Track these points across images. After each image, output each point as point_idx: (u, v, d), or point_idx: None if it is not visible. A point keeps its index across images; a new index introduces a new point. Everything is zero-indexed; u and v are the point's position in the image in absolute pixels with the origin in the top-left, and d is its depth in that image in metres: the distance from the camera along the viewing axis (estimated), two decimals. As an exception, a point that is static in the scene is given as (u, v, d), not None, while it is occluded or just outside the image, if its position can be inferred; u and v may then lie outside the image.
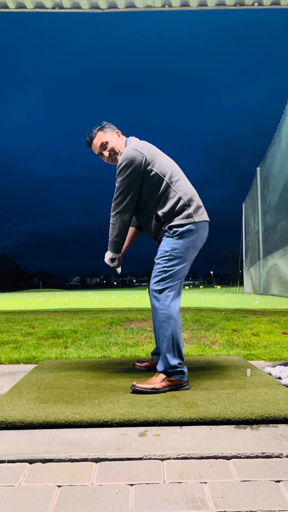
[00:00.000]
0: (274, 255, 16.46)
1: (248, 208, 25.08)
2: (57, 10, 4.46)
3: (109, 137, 2.29)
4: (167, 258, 2.14)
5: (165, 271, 2.14)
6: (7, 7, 4.45)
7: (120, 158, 2.16)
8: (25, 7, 4.45)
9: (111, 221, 2.23)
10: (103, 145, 2.29)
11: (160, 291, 2.14)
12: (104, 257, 2.36)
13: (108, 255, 2.32)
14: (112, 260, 2.33)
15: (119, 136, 2.32)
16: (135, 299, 13.76)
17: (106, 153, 2.30)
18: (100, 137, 2.29)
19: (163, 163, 2.19)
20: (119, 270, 2.47)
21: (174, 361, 2.08)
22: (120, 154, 2.24)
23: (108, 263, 2.36)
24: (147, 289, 2.29)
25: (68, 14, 4.61)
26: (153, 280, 2.18)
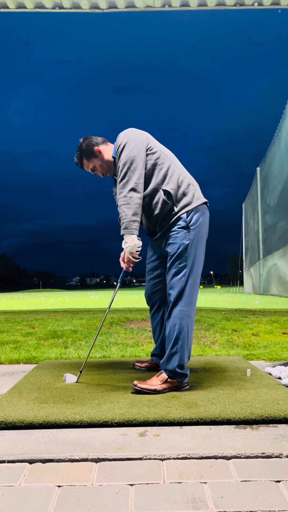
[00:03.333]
0: (273, 255, 16.46)
1: (248, 208, 25.08)
2: (57, 10, 4.46)
3: (93, 161, 2.29)
4: (188, 251, 2.07)
5: (186, 266, 2.07)
6: (7, 7, 4.45)
7: (119, 139, 2.14)
8: (25, 7, 4.45)
9: (123, 202, 2.04)
10: (92, 169, 2.32)
11: (183, 288, 2.06)
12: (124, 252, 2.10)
13: (133, 238, 2.03)
14: (139, 243, 2.06)
15: (101, 152, 2.26)
16: (135, 299, 13.75)
17: (99, 173, 2.33)
18: (87, 165, 2.32)
19: (161, 147, 2.21)
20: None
21: (182, 360, 2.05)
22: (108, 166, 2.27)
23: (135, 249, 2.06)
24: (166, 285, 2.14)
25: (68, 14, 4.62)
26: (174, 275, 2.08)
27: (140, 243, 2.07)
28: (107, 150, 2.28)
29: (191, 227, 2.09)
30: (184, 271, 2.08)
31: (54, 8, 4.43)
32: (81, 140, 2.30)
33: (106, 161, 2.27)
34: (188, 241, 2.08)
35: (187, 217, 2.09)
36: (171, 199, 2.10)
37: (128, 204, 2.03)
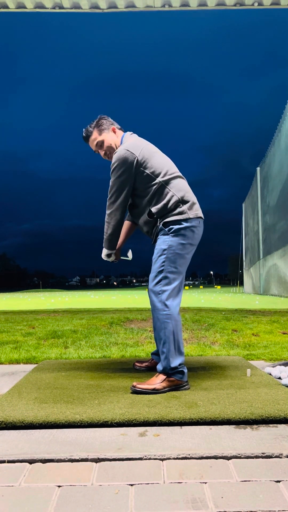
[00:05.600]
0: (273, 255, 16.46)
1: (248, 208, 25.08)
2: (57, 10, 4.46)
3: (104, 136, 2.32)
4: (164, 256, 2.14)
5: (163, 270, 2.14)
6: (7, 7, 4.45)
7: (113, 158, 2.19)
8: (25, 7, 4.45)
9: (106, 219, 2.27)
10: (99, 144, 2.33)
11: (160, 291, 2.13)
12: (101, 254, 2.43)
13: (104, 252, 2.38)
14: (108, 255, 2.40)
15: (115, 132, 2.33)
16: (135, 299, 13.76)
17: (102, 152, 2.35)
18: (95, 136, 2.33)
19: (156, 163, 2.20)
20: (130, 255, 2.52)
21: (175, 362, 2.08)
22: (113, 151, 2.29)
23: (105, 259, 2.43)
24: (147, 289, 2.29)
25: (69, 14, 4.62)
26: (152, 280, 2.18)
27: (108, 259, 2.41)
28: (119, 136, 2.34)
29: (170, 234, 2.15)
30: (161, 275, 2.14)
31: (54, 8, 4.43)
32: (101, 115, 2.36)
33: (115, 144, 2.31)
34: (165, 246, 2.14)
35: (166, 227, 2.17)
36: (154, 218, 2.20)
37: (109, 223, 2.25)
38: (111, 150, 2.31)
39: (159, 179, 2.18)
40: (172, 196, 2.17)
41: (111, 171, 2.19)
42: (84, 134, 2.36)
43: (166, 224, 2.16)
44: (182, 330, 2.19)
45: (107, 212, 2.25)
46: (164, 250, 2.14)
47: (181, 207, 2.16)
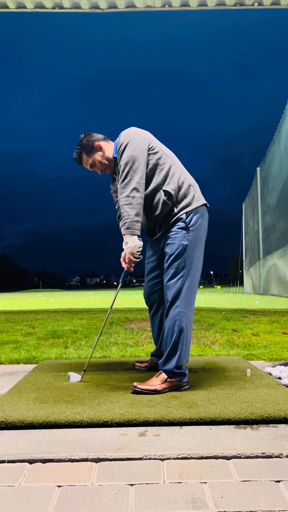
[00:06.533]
0: (273, 255, 16.46)
1: (248, 208, 25.08)
2: (57, 10, 4.46)
3: (94, 156, 2.27)
4: (186, 252, 2.06)
5: (185, 266, 2.07)
6: (7, 7, 4.46)
7: (120, 138, 2.14)
8: (25, 7, 4.45)
9: (125, 202, 2.03)
10: (91, 165, 2.30)
11: (181, 288, 2.06)
12: (119, 255, 2.16)
13: (133, 239, 2.03)
14: (139, 243, 2.06)
15: (101, 148, 2.26)
16: (135, 299, 13.75)
17: (98, 170, 2.32)
18: (86, 160, 2.29)
19: (159, 144, 2.21)
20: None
21: (181, 361, 2.05)
22: (108, 163, 2.26)
23: (136, 250, 2.06)
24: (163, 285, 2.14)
25: (68, 14, 4.62)
26: (173, 277, 2.07)
27: (141, 243, 2.07)
28: (107, 147, 2.27)
29: (190, 228, 2.09)
30: (182, 272, 2.07)
31: (54, 8, 4.43)
32: (82, 135, 2.29)
33: (106, 158, 2.26)
34: (187, 242, 2.08)
35: (186, 218, 2.10)
36: (171, 199, 2.10)
37: (131, 204, 2.02)
38: (105, 165, 2.28)
39: (171, 158, 2.15)
40: (185, 178, 2.13)
41: (123, 149, 2.08)
42: (76, 161, 2.32)
43: (185, 214, 2.08)
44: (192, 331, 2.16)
45: (125, 194, 2.03)
46: (186, 246, 2.07)
47: (193, 192, 2.13)
